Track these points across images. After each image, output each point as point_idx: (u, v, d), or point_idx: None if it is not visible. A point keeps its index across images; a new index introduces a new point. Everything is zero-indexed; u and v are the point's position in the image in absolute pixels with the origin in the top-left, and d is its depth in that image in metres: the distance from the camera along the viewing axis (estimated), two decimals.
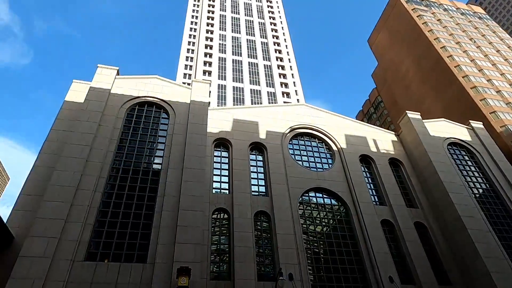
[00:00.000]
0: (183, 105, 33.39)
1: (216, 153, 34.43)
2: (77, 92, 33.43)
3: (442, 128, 42.70)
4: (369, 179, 37.83)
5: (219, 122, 36.12)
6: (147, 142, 30.51)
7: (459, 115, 50.48)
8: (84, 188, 25.10)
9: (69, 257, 21.82)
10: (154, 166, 29.12)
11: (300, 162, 36.44)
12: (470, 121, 44.88)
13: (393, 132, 43.14)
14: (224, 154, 34.66)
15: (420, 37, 64.84)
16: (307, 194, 34.11)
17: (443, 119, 44.18)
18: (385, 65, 78.28)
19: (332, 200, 34.60)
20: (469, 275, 30.63)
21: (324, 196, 34.65)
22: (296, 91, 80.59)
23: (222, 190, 31.76)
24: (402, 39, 71.51)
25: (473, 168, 40.19)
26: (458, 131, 43.15)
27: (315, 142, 39.44)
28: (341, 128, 40.66)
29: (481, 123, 45.26)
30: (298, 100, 77.72)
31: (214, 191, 31.34)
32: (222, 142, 35.16)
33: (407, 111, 42.16)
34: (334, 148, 38.72)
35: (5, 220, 22.57)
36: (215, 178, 32.41)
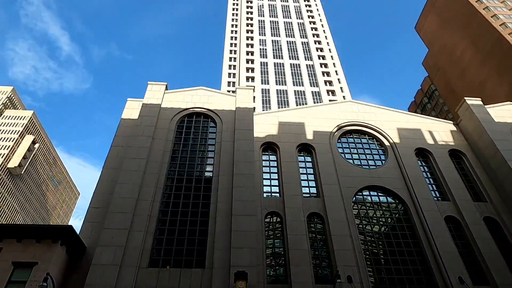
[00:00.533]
0: (229, 112, 34.21)
1: (264, 157, 34.68)
2: (131, 110, 35.80)
3: (509, 113, 38.80)
4: (428, 173, 35.52)
5: (265, 126, 36.39)
6: (197, 151, 31.71)
7: None
8: (143, 199, 26.72)
9: (134, 264, 23.33)
10: (206, 173, 30.15)
11: (350, 161, 35.35)
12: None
13: (451, 122, 40.14)
14: (272, 157, 34.78)
15: (475, 16, 59.75)
16: (361, 193, 32.95)
17: (509, 102, 40.14)
18: (437, 51, 73.26)
19: (388, 198, 33.03)
20: None
21: (380, 194, 33.20)
22: (341, 88, 78.54)
23: (272, 194, 31.86)
24: (454, 21, 66.46)
25: None
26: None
27: (365, 138, 38.03)
28: (392, 121, 38.77)
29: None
30: (344, 97, 75.64)
31: (265, 195, 31.54)
32: (269, 146, 35.34)
33: (465, 98, 38.99)
34: (386, 143, 37.01)
35: (78, 232, 24.79)
36: (265, 182, 32.61)
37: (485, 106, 38.54)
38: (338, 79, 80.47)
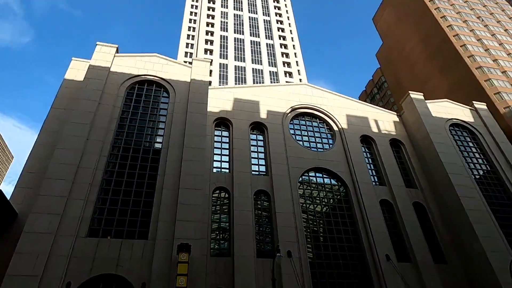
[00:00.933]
0: (183, 84, 33.14)
1: (216, 133, 34.45)
2: (76, 71, 33.16)
3: (445, 109, 42.32)
4: (370, 159, 37.89)
5: (219, 101, 35.93)
6: (147, 121, 30.50)
7: (464, 96, 49.89)
8: (85, 166, 25.32)
9: (72, 233, 22.29)
10: (155, 145, 29.24)
11: (300, 142, 36.45)
12: (473, 102, 44.37)
13: (395, 113, 42.84)
14: (225, 133, 34.67)
15: (427, 15, 63.23)
16: (307, 174, 34.31)
17: (446, 99, 43.68)
18: (390, 44, 76.79)
19: (332, 180, 34.81)
20: (464, 254, 31.14)
21: (324, 176, 34.84)
22: (298, 70, 79.53)
23: (222, 170, 31.97)
24: (407, 17, 69.80)
25: (474, 150, 40.08)
26: (461, 112, 42.76)
27: (316, 122, 39.29)
28: (342, 108, 40.37)
29: (485, 104, 44.77)
30: (300, 80, 76.81)
31: (214, 170, 31.55)
32: (222, 122, 35.10)
33: (409, 92, 41.69)
34: (335, 128, 38.60)
35: (8, 197, 22.94)
36: (216, 158, 32.56)
37: (426, 101, 41.57)
38: (296, 62, 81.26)
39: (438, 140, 37.21)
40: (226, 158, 32.79)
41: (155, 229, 23.85)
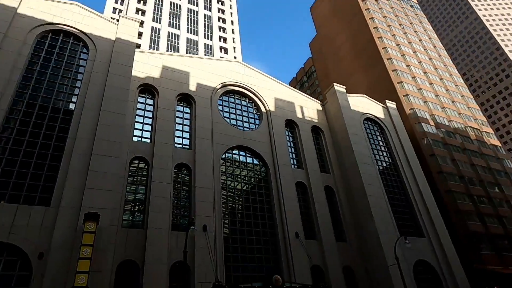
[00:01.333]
0: (107, 41, 30.18)
1: (140, 100, 32.43)
2: None
3: (362, 104, 46.13)
4: (292, 143, 39.70)
5: (147, 66, 33.73)
6: (60, 76, 27.22)
7: (380, 93, 54.87)
8: None
9: None
10: (68, 104, 26.35)
11: (228, 119, 36.42)
12: (386, 100, 49.16)
13: (320, 102, 45.30)
14: (149, 101, 32.84)
15: (358, 13, 67.27)
16: (231, 151, 34.60)
17: (364, 95, 47.58)
18: (323, 36, 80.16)
19: (254, 159, 35.70)
20: (361, 234, 35.08)
21: (248, 155, 35.54)
22: (234, 48, 78.52)
23: (143, 139, 30.41)
24: (341, 12, 73.42)
25: (381, 143, 44.72)
26: (375, 108, 47.08)
27: (245, 101, 39.55)
28: (272, 91, 41.25)
29: (395, 103, 49.96)
30: (235, 57, 76.02)
31: (135, 138, 29.85)
32: (148, 89, 33.12)
33: (334, 83, 44.34)
34: (263, 109, 39.37)
35: None
36: (137, 126, 30.77)
37: (347, 94, 44.73)
38: (233, 38, 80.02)
39: (353, 131, 40.57)
40: (148, 128, 31.20)
41: (60, 196, 21.83)
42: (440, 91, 59.53)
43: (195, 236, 26.51)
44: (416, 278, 33.77)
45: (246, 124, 37.56)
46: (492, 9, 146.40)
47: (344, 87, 45.40)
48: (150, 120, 31.62)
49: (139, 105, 31.91)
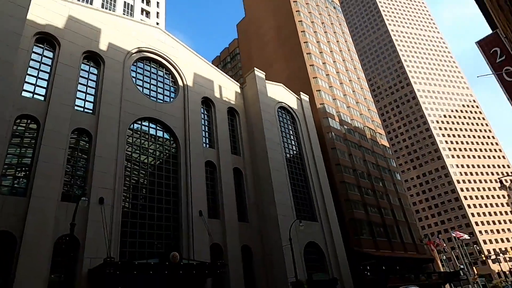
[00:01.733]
0: None
1: (36, 50, 28.00)
2: None
3: (279, 92, 47.79)
4: (206, 122, 39.17)
5: (49, 13, 29.15)
6: None
7: (297, 85, 57.51)
8: None
9: None
10: None
11: (140, 88, 34.02)
12: (301, 92, 51.85)
13: (239, 84, 45.46)
14: (48, 54, 28.58)
15: (286, 4, 68.87)
16: (140, 122, 32.55)
17: (281, 84, 49.34)
18: (250, 19, 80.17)
19: (165, 134, 34.26)
20: (263, 216, 36.89)
21: (159, 128, 33.91)
22: (158, 13, 73.18)
23: (35, 95, 26.46)
24: None
25: (291, 132, 47.20)
26: (290, 99, 49.26)
27: (162, 72, 37.41)
28: (192, 65, 39.81)
29: (308, 96, 53.05)
30: (157, 23, 71.04)
31: (24, 94, 25.77)
32: (47, 39, 28.75)
33: (255, 68, 44.89)
34: (180, 83, 37.81)
35: None
36: (29, 80, 26.58)
37: (266, 81, 45.79)
38: (157, 2, 74.52)
39: (267, 118, 41.88)
40: (44, 84, 27.23)
41: None
42: (348, 91, 65.21)
43: (90, 209, 24.49)
44: (305, 257, 37.10)
45: (160, 96, 35.64)
46: (399, 26, 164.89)
47: (264, 73, 46.34)
48: (47, 75, 27.61)
49: (34, 56, 27.52)
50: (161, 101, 35.24)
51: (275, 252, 34.40)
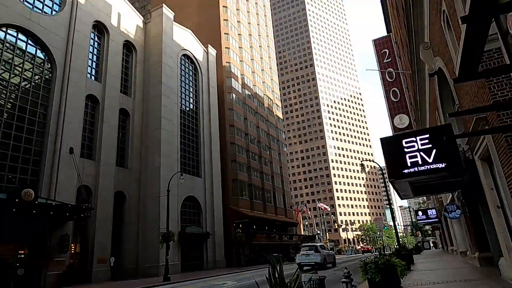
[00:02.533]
0: None
1: None
2: None
3: (186, 38, 44.69)
4: (96, 50, 34.16)
5: None
6: None
7: (207, 37, 54.63)
8: None
9: None
10: None
11: None
12: (209, 45, 49.64)
13: (142, 18, 40.72)
14: None
15: None
16: (5, 29, 26.22)
17: (190, 30, 46.18)
18: None
19: (38, 50, 28.54)
20: (145, 164, 35.11)
21: (31, 43, 27.99)
22: None
23: None
24: None
25: (191, 84, 45.22)
26: (196, 49, 46.69)
27: None
28: None
29: (216, 52, 51.24)
30: None
31: None
32: None
33: (164, 5, 40.69)
34: None
35: None
36: None
37: (174, 22, 42.10)
38: None
39: (167, 62, 38.92)
40: None
41: None
42: (256, 57, 65.51)
43: None
44: (183, 211, 37.16)
45: (38, 4, 29.19)
46: (316, 7, 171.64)
47: (173, 14, 42.48)
48: None
49: None
50: (39, 10, 28.94)
51: (151, 201, 33.38)
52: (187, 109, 43.19)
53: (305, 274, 7.35)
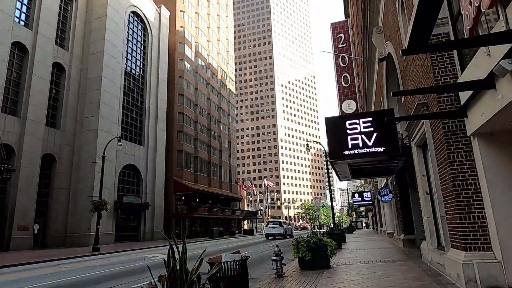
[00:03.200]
0: None
1: None
2: None
3: None
4: None
5: None
6: None
7: None
8: None
9: None
10: None
11: None
12: (162, 5, 46.16)
13: None
14: None
15: None
16: None
17: None
18: None
19: None
20: (81, 126, 32.34)
21: None
22: None
23: None
24: None
25: (139, 45, 41.95)
26: (147, 7, 43.08)
27: None
28: None
29: (169, 13, 47.89)
30: None
31: None
32: None
33: None
34: None
35: None
36: None
37: None
38: None
39: (113, 17, 35.49)
40: None
41: None
42: (213, 25, 62.71)
43: None
44: (121, 179, 35.17)
45: None
46: None
47: None
48: None
49: None
50: None
51: (85, 167, 31.03)
52: (133, 71, 40.20)
53: (268, 244, 6.91)
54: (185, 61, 50.31)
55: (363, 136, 10.69)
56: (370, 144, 10.55)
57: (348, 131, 10.86)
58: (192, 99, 51.40)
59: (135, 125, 39.16)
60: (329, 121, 11.58)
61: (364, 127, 10.81)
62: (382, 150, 10.41)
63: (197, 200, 48.29)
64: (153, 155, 40.74)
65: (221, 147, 60.00)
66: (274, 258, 8.22)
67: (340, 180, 16.48)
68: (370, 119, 10.88)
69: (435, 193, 8.17)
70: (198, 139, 51.63)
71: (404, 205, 15.24)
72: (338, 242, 16.03)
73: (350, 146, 10.73)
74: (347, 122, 10.98)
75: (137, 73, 40.79)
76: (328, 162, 16.74)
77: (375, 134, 10.57)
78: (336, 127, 11.34)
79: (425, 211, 9.05)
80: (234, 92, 71.58)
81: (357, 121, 10.98)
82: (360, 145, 10.62)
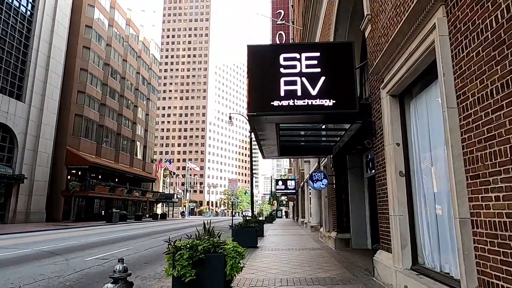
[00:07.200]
0: None
1: None
2: None
3: None
4: None
5: None
6: None
7: None
8: None
9: None
10: None
11: None
12: None
13: None
14: None
15: None
16: None
17: None
18: None
19: None
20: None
21: None
22: None
23: None
24: None
25: None
26: None
27: None
28: None
29: None
30: None
31: None
32: None
33: None
34: None
35: None
36: None
37: None
38: None
39: None
40: None
41: None
42: None
43: None
44: None
45: None
46: None
47: None
48: None
49: None
50: None
51: None
52: (15, 2, 30.67)
53: None
54: (96, 8, 41.24)
55: (304, 79, 6.46)
56: (313, 93, 6.36)
57: (282, 70, 6.52)
58: (102, 55, 42.65)
59: (11, 73, 30.01)
60: (254, 52, 6.99)
61: (308, 66, 6.58)
62: (331, 103, 6.25)
63: (99, 177, 40.51)
64: (38, 116, 32.06)
65: (137, 118, 52.12)
66: (110, 285, 3.17)
67: (264, 157, 11.84)
68: (318, 54, 6.57)
69: (414, 173, 5.11)
70: (106, 105, 43.30)
71: (340, 195, 11.29)
72: (252, 239, 11.51)
73: (282, 94, 6.41)
74: (282, 56, 6.73)
75: (20, 5, 31.27)
76: (253, 140, 12.17)
77: (322, 78, 6.40)
78: (263, 62, 6.79)
79: (395, 203, 4.98)
80: (158, 60, 63.44)
81: (297, 55, 6.75)
82: (299, 93, 6.39)
